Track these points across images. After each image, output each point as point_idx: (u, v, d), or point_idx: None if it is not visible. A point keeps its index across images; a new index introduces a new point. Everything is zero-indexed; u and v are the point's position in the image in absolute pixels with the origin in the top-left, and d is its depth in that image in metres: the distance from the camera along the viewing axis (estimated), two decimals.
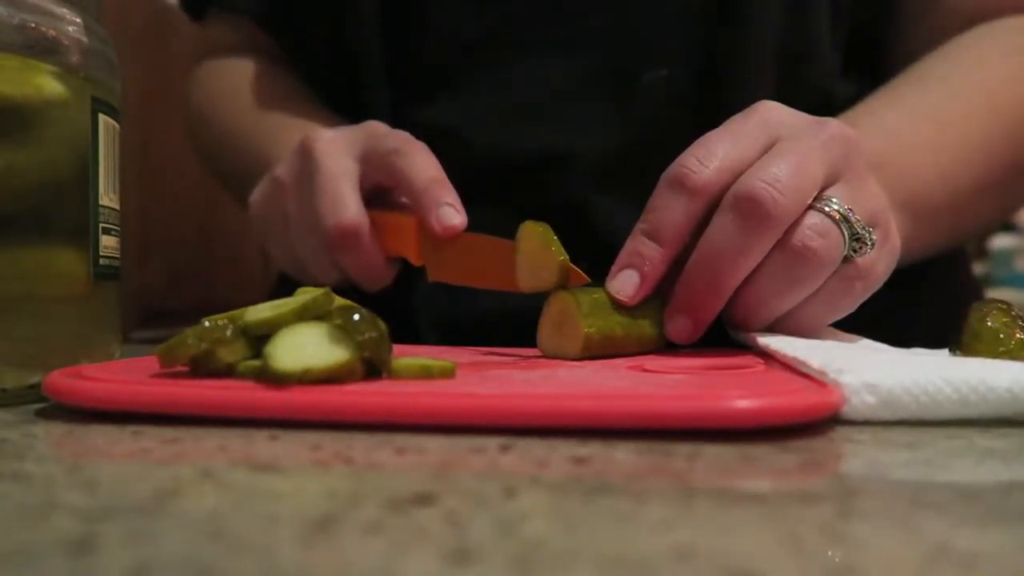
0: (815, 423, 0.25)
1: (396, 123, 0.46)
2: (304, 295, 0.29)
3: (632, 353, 0.36)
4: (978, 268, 2.10)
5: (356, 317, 0.27)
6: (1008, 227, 2.16)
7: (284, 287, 0.58)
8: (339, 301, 0.29)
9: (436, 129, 0.49)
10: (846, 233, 0.34)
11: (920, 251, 0.46)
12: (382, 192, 0.44)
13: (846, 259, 0.34)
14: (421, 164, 0.42)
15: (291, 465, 0.20)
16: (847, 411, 0.25)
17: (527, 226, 0.37)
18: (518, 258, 0.38)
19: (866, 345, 0.38)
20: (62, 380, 0.26)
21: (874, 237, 0.34)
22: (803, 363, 0.29)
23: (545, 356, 0.37)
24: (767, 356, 0.34)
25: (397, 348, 0.29)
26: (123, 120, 0.35)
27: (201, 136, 0.62)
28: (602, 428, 0.23)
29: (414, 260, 0.44)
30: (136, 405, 0.25)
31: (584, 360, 0.35)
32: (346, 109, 0.54)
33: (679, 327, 0.36)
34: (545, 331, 0.37)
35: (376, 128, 0.45)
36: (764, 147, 0.34)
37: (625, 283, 0.35)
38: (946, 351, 0.34)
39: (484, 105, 0.50)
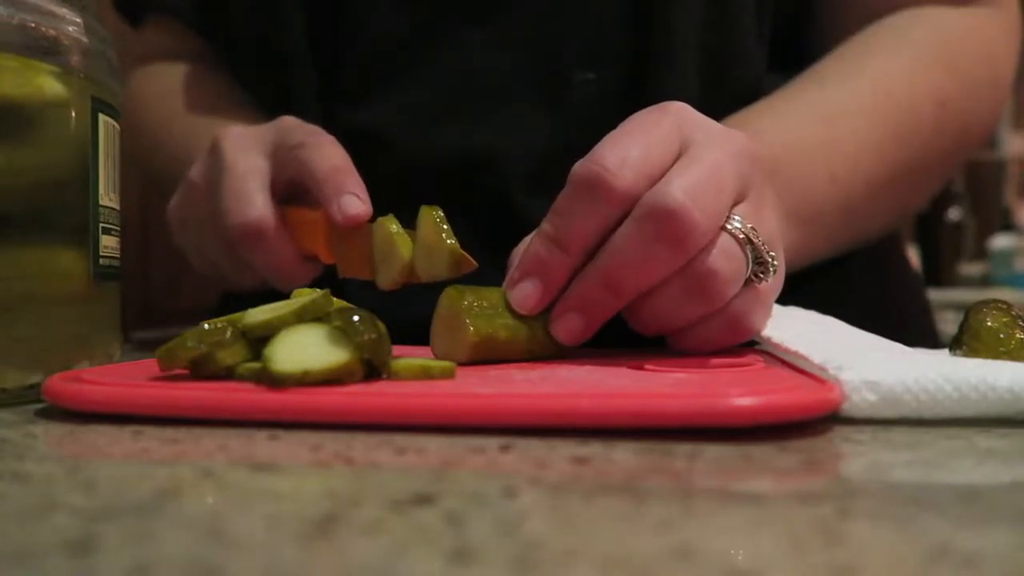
0: (815, 420, 0.25)
1: (327, 127, 0.45)
2: (303, 297, 0.29)
3: (525, 358, 0.34)
4: (978, 268, 2.10)
5: (355, 318, 0.27)
6: (1008, 227, 2.16)
7: (228, 302, 0.57)
8: (338, 303, 0.29)
9: (366, 131, 0.49)
10: (750, 256, 0.32)
11: (810, 258, 0.46)
12: (299, 190, 0.42)
13: (747, 282, 0.33)
14: (324, 154, 0.40)
15: (291, 465, 0.20)
16: (847, 408, 0.25)
17: (422, 211, 0.35)
18: (416, 246, 0.35)
19: (866, 342, 0.38)
20: (62, 384, 0.26)
21: (776, 263, 0.33)
22: (804, 359, 0.29)
23: (436, 357, 0.34)
24: (767, 353, 0.34)
25: (396, 349, 0.29)
26: (123, 120, 0.35)
27: (132, 144, 0.60)
28: (602, 427, 0.23)
29: (324, 257, 0.42)
30: (136, 408, 0.25)
31: (474, 364, 0.33)
32: (278, 114, 0.54)
33: (570, 326, 0.33)
34: (435, 331, 0.34)
35: (286, 122, 0.43)
36: (678, 150, 0.33)
37: (528, 294, 0.33)
38: (946, 351, 0.34)
39: (413, 105, 0.49)
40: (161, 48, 0.60)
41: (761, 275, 0.33)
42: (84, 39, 0.31)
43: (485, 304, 0.33)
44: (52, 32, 0.30)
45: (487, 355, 0.33)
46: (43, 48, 0.30)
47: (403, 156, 0.49)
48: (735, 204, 0.33)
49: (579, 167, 0.32)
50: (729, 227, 0.32)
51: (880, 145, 0.46)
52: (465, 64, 0.49)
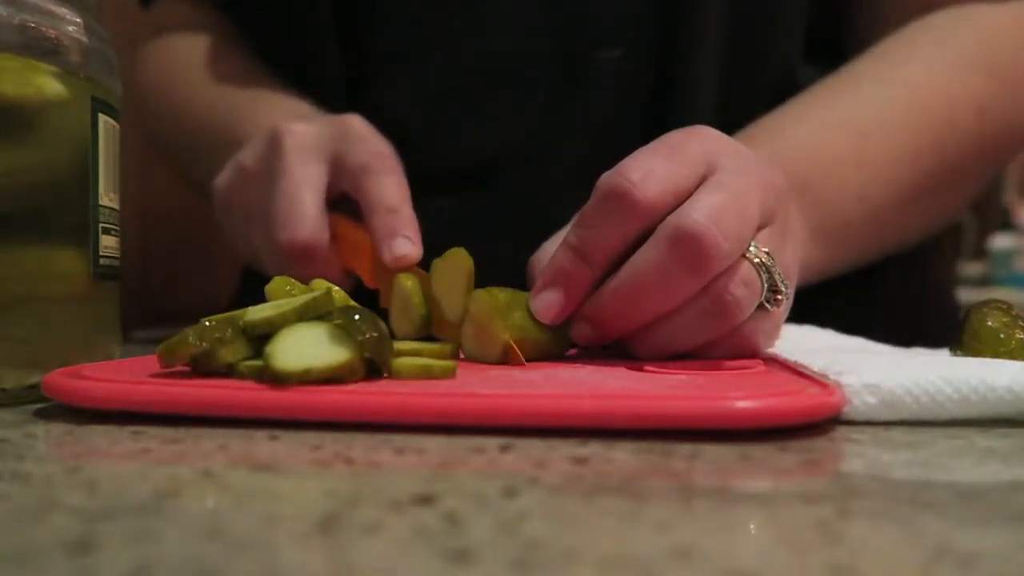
0: (816, 424, 0.25)
1: (349, 105, 0.44)
2: (305, 295, 0.29)
3: (537, 358, 0.34)
4: (978, 268, 2.10)
5: (357, 317, 0.27)
6: (1008, 227, 2.16)
7: (248, 279, 0.57)
8: (340, 301, 0.29)
9: (385, 113, 0.48)
10: (765, 283, 0.32)
11: (835, 270, 0.46)
12: (350, 199, 0.42)
13: (759, 307, 0.32)
14: (387, 189, 0.40)
15: (291, 465, 0.20)
16: (848, 412, 0.25)
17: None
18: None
19: (864, 348, 0.38)
20: (61, 379, 0.26)
21: (790, 292, 0.33)
22: (804, 366, 0.29)
23: (467, 359, 0.35)
24: (768, 357, 0.34)
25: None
26: (123, 120, 0.35)
27: (152, 111, 0.60)
28: (602, 428, 0.23)
29: (367, 282, 0.42)
30: (135, 405, 0.25)
31: (505, 364, 0.33)
32: (303, 88, 0.53)
33: (585, 333, 0.34)
34: (466, 332, 0.35)
35: (352, 129, 0.42)
36: (704, 172, 0.32)
37: (550, 304, 0.33)
38: (946, 351, 0.34)
39: (435, 87, 0.49)
40: (180, 20, 0.60)
41: (773, 303, 0.32)
42: (84, 39, 0.31)
43: (509, 305, 0.34)
44: (52, 32, 0.30)
45: (517, 356, 0.33)
46: (43, 48, 0.30)
47: (423, 146, 0.49)
48: (758, 230, 0.33)
49: (605, 179, 0.32)
50: (748, 253, 0.31)
51: (913, 158, 0.45)
52: (487, 42, 0.48)
